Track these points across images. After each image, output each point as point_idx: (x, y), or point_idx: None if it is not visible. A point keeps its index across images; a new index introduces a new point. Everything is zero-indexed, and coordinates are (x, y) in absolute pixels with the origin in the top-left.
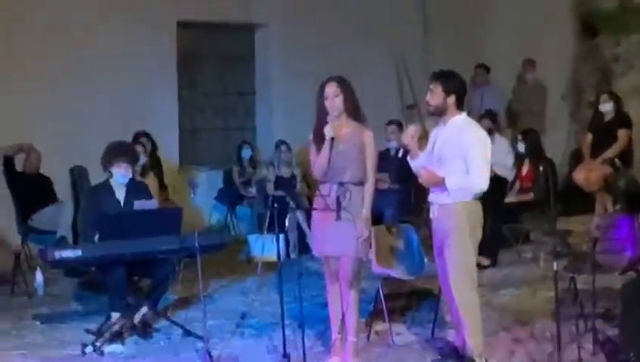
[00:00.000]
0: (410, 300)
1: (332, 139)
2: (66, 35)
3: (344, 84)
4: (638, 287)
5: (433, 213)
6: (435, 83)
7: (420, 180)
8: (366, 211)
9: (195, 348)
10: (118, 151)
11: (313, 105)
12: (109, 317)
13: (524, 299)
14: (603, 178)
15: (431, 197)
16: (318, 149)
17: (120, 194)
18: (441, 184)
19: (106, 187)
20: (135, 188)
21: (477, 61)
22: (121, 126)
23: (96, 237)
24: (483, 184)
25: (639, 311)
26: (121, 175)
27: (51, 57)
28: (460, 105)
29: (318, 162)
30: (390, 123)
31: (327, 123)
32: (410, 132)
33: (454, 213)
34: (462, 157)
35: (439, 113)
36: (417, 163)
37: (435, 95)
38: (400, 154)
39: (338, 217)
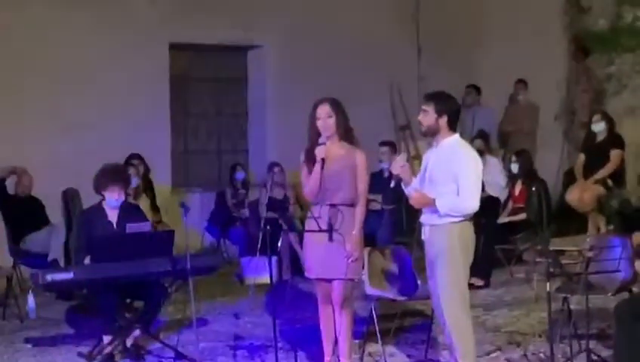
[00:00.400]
0: (403, 321)
1: (323, 160)
2: (58, 58)
3: (337, 106)
4: (631, 307)
5: (425, 233)
6: (428, 103)
7: (411, 202)
8: (356, 232)
9: None
10: (110, 176)
11: (306, 127)
12: (100, 340)
13: (518, 319)
14: (596, 198)
15: (422, 218)
16: (310, 171)
17: (113, 217)
18: (431, 205)
19: (98, 209)
20: (128, 210)
21: (470, 83)
22: (114, 148)
23: (87, 259)
24: (473, 205)
25: (633, 331)
26: (114, 199)
27: (43, 80)
28: (452, 127)
29: (310, 183)
30: (383, 144)
31: (318, 144)
32: (399, 162)
33: (445, 233)
34: (453, 179)
35: (431, 134)
36: (411, 188)
37: (428, 115)
38: (392, 185)
39: (330, 239)
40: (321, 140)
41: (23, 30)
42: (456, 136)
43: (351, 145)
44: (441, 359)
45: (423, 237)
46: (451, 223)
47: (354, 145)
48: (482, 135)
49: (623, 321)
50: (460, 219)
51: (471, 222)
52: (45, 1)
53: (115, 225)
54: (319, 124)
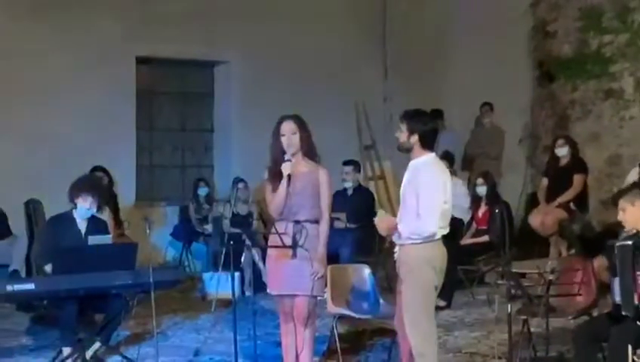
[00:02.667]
0: (365, 340)
1: (289, 176)
2: (22, 70)
3: (301, 123)
4: (590, 331)
5: (397, 253)
6: (402, 121)
7: (377, 227)
8: (321, 249)
9: None
10: (87, 185)
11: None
12: (60, 352)
13: (479, 341)
14: (558, 222)
15: (393, 238)
16: (274, 187)
17: (82, 227)
18: (395, 230)
19: (68, 217)
20: (96, 224)
21: (436, 105)
22: (78, 161)
23: (48, 266)
24: (431, 228)
25: (591, 355)
26: (85, 208)
27: (6, 92)
28: (425, 146)
29: (275, 200)
30: (347, 163)
31: (282, 161)
32: (380, 223)
33: (407, 254)
34: (416, 199)
35: (405, 151)
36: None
37: (402, 133)
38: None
39: (294, 255)
40: (286, 157)
41: None
42: (428, 155)
43: (314, 162)
44: None
45: (395, 256)
46: (413, 244)
47: (317, 162)
48: (447, 156)
49: (582, 345)
50: (419, 240)
51: (436, 242)
52: (9, 13)
53: (83, 235)
54: (283, 140)
